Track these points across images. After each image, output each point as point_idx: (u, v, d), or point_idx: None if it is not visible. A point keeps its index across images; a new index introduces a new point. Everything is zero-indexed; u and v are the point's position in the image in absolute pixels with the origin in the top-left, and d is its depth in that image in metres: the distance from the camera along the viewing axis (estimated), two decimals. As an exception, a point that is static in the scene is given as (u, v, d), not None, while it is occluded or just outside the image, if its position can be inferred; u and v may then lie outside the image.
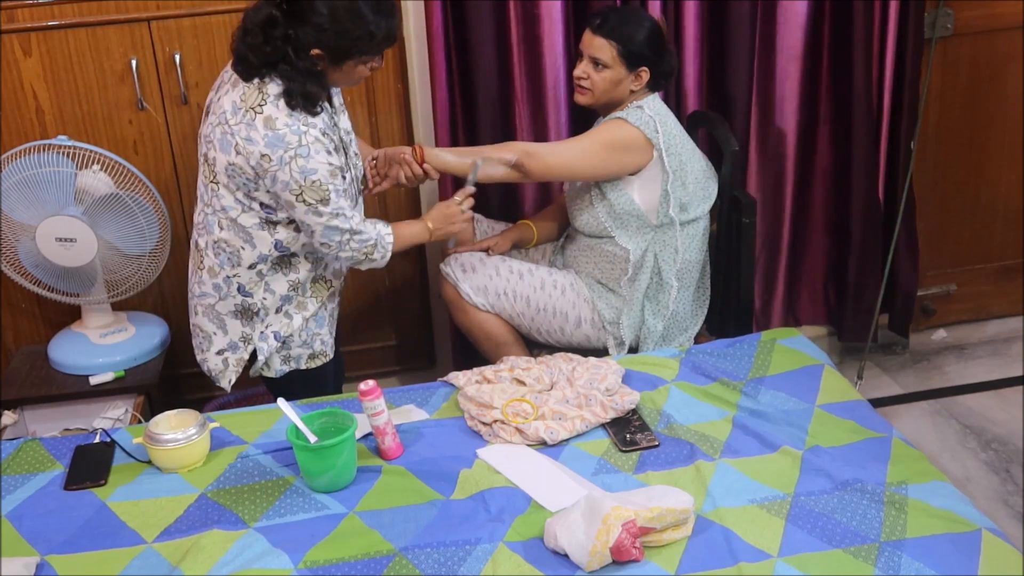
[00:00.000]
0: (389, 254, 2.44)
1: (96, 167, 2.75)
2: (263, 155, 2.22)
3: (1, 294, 3.03)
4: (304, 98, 2.23)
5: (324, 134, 2.26)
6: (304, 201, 2.25)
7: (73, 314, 3.00)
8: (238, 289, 2.42)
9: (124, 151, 2.90)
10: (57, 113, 2.87)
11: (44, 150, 2.71)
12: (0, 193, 2.69)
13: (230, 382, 2.53)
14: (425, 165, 2.51)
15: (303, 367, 2.54)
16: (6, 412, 2.82)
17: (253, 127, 2.22)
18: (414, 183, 2.55)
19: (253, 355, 2.51)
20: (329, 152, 2.26)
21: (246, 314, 2.45)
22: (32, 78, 2.82)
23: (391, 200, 3.12)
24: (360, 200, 2.49)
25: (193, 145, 2.97)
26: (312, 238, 2.34)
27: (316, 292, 2.49)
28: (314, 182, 2.24)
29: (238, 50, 2.26)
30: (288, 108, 2.22)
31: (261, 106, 2.23)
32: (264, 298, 2.43)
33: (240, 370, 2.53)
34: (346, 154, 2.40)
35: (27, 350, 3.05)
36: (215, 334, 2.49)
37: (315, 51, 2.21)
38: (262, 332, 2.47)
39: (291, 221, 2.35)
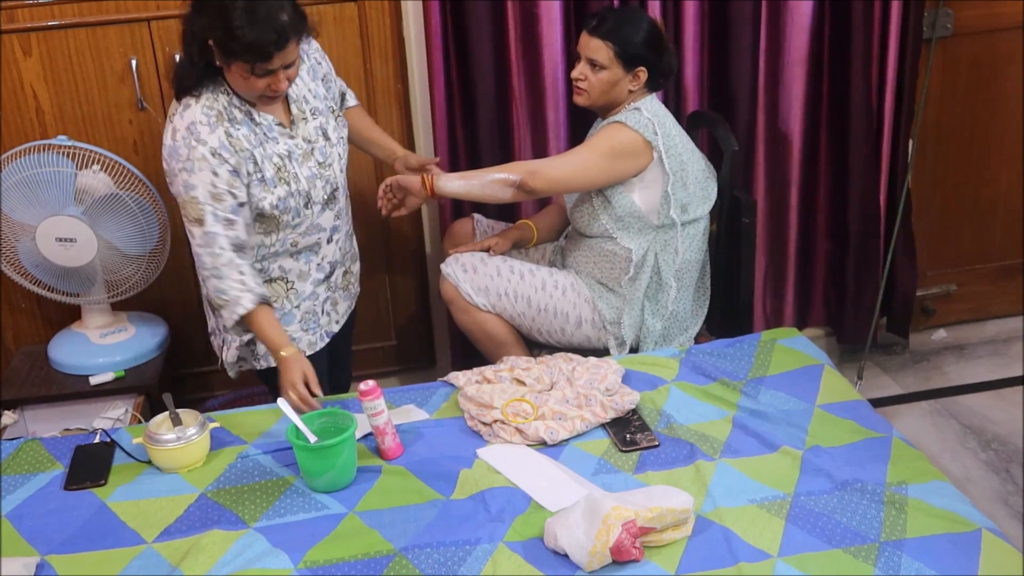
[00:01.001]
0: (235, 321, 2.31)
1: (96, 167, 2.75)
2: (165, 162, 2.31)
3: (1, 294, 3.03)
4: (175, 83, 2.32)
5: (214, 154, 2.26)
6: (186, 215, 2.30)
7: (73, 314, 3.01)
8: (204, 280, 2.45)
9: (124, 151, 2.91)
10: (57, 113, 2.87)
11: (44, 150, 2.71)
12: (0, 193, 2.69)
13: (224, 366, 2.58)
14: (435, 197, 2.56)
15: (273, 365, 2.54)
16: (6, 412, 2.82)
17: (165, 133, 2.32)
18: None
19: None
20: (216, 173, 2.26)
21: (211, 304, 2.48)
22: (32, 78, 2.83)
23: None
24: (306, 213, 2.43)
25: (193, 145, 2.97)
26: None
27: (273, 293, 2.49)
28: (192, 198, 2.27)
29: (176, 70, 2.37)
30: (187, 119, 2.27)
31: (172, 116, 2.33)
32: None
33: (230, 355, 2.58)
34: (289, 165, 2.37)
35: (27, 350, 3.05)
36: (208, 317, 2.59)
37: (210, 41, 2.24)
38: (224, 326, 2.51)
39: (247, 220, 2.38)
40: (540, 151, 3.02)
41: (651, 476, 2.08)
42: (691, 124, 2.89)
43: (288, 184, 2.38)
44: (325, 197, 2.46)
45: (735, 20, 3.01)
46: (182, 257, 3.06)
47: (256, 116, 2.35)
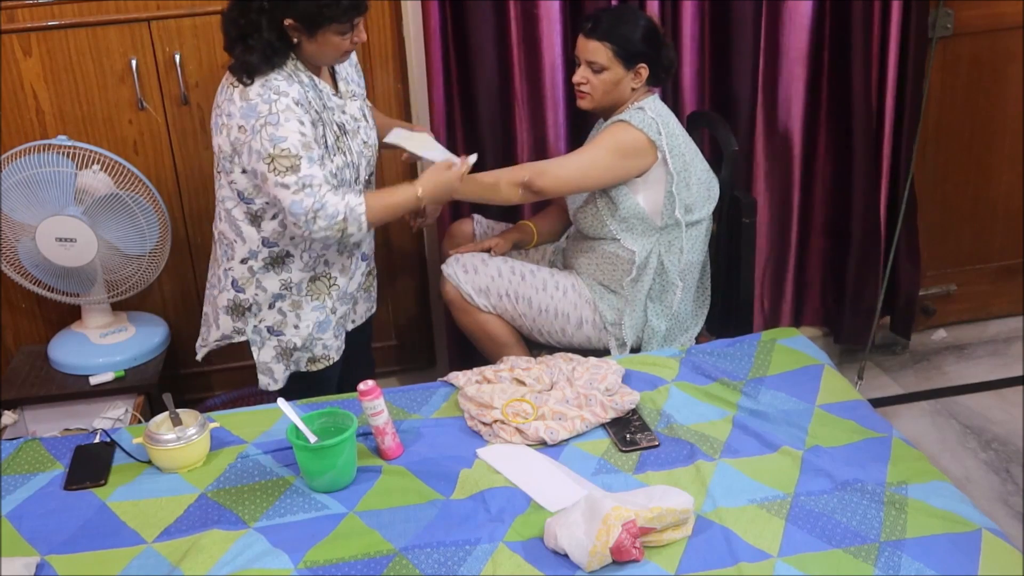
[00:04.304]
0: (365, 225, 2.32)
1: (96, 167, 2.75)
2: (239, 127, 2.25)
3: (1, 294, 3.03)
4: (245, 70, 2.25)
5: (298, 104, 2.27)
6: (275, 170, 2.24)
7: (73, 314, 3.01)
8: (232, 283, 2.45)
9: (124, 151, 2.91)
10: (57, 113, 2.87)
11: (44, 150, 2.71)
12: (0, 193, 2.69)
13: (200, 355, 2.60)
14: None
15: (303, 369, 2.54)
16: (6, 412, 2.82)
17: (232, 101, 2.27)
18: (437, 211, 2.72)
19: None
20: (302, 122, 2.26)
21: (238, 310, 2.48)
22: (32, 78, 2.83)
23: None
24: (359, 188, 2.47)
25: (193, 145, 2.97)
26: (284, 217, 2.32)
27: (315, 292, 2.49)
28: (283, 150, 2.24)
29: (222, 22, 2.32)
30: (262, 78, 2.25)
31: (232, 86, 2.28)
32: (256, 294, 2.46)
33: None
34: (343, 137, 2.40)
35: (27, 350, 3.05)
36: (212, 326, 2.54)
37: (288, 21, 2.24)
38: (255, 326, 2.49)
39: (275, 216, 2.36)
40: (541, 152, 3.02)
41: (651, 476, 2.08)
42: (691, 124, 2.89)
43: (344, 154, 2.39)
44: (366, 177, 2.49)
45: (734, 20, 3.01)
46: (182, 257, 3.07)
47: (317, 83, 2.36)
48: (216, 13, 2.80)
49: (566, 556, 1.85)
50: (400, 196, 2.41)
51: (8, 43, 2.78)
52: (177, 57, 2.85)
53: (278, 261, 2.43)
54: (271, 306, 2.47)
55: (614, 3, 2.92)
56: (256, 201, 2.35)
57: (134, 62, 2.84)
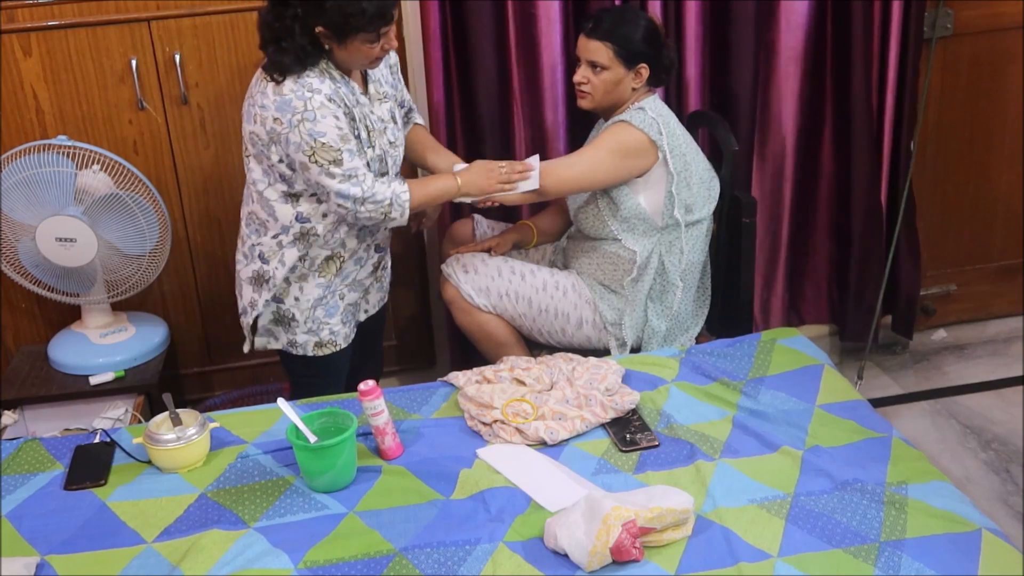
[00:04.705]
0: (408, 212, 2.44)
1: (96, 167, 2.75)
2: (275, 118, 2.31)
3: (1, 294, 3.03)
4: (277, 69, 2.31)
5: (331, 100, 2.33)
6: (317, 162, 2.32)
7: (73, 314, 3.01)
8: (259, 256, 2.50)
9: (124, 151, 2.91)
10: (57, 113, 2.87)
11: (44, 150, 2.71)
12: (0, 193, 2.69)
13: (247, 349, 2.62)
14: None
15: (310, 354, 2.56)
16: (6, 412, 2.82)
17: (265, 94, 2.32)
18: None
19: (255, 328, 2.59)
20: (337, 117, 2.33)
21: (258, 280, 2.52)
22: (32, 78, 2.83)
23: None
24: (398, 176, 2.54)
25: (193, 145, 2.97)
26: (329, 201, 2.39)
27: (323, 269, 2.52)
28: (324, 144, 2.31)
29: (258, 21, 2.37)
30: (294, 75, 2.31)
31: (263, 80, 2.34)
32: (276, 267, 2.50)
33: (252, 337, 2.61)
34: (372, 133, 2.44)
35: (27, 350, 3.05)
36: (239, 297, 2.60)
37: (319, 28, 2.30)
38: (266, 300, 2.53)
39: (313, 194, 2.41)
40: (541, 152, 3.02)
41: (651, 476, 2.08)
42: (691, 124, 2.89)
43: (374, 148, 2.44)
44: (395, 174, 2.53)
45: (736, 20, 3.01)
46: (182, 257, 3.07)
47: (348, 81, 2.41)
48: (216, 13, 2.82)
49: (566, 556, 1.85)
50: (441, 184, 2.52)
51: (8, 43, 2.78)
52: (177, 57, 2.85)
53: (304, 237, 2.47)
54: (284, 279, 2.51)
55: (617, 3, 2.92)
56: (296, 185, 2.41)
57: (134, 62, 2.84)
